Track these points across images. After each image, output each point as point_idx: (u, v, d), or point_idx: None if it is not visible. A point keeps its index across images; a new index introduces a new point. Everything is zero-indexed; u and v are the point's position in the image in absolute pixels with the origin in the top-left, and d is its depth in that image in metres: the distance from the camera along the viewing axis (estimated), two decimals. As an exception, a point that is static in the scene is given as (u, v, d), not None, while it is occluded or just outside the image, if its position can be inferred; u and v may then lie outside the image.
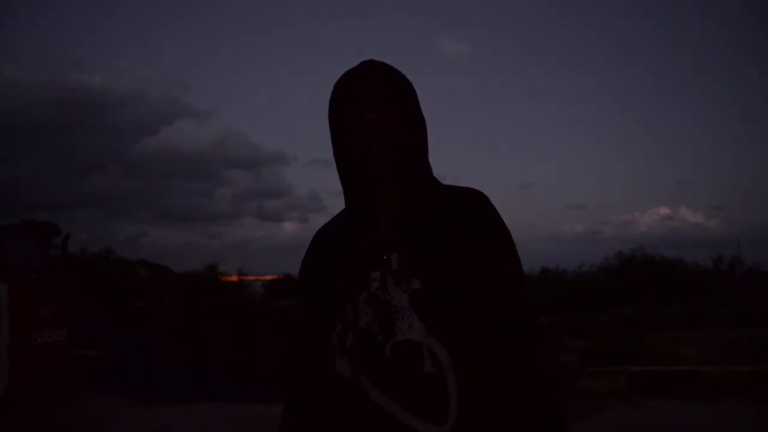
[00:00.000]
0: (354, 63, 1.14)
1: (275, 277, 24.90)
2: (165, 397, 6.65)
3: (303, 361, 1.16)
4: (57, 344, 6.87)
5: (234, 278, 21.05)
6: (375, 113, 1.06)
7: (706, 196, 59.96)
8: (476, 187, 1.11)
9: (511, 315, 1.02)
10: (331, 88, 1.13)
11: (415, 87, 1.15)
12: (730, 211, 58.17)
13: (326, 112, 1.14)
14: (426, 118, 1.14)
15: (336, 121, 1.12)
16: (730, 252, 29.90)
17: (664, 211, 59.06)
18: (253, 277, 22.83)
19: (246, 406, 6.24)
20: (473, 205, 1.07)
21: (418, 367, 0.98)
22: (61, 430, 5.47)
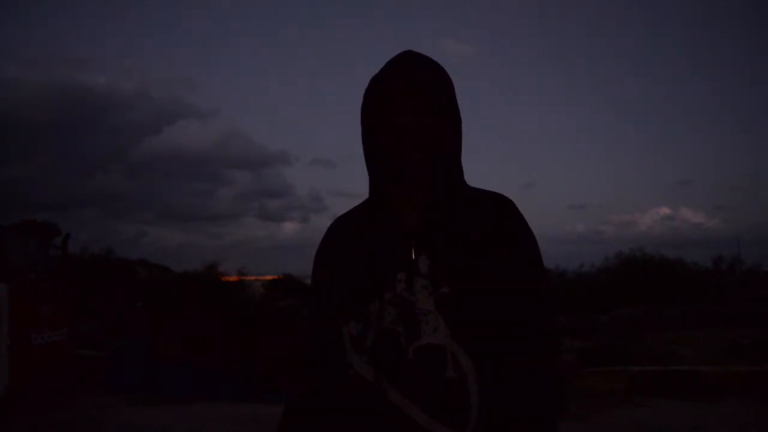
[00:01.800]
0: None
1: (275, 277, 24.94)
2: (165, 397, 6.65)
3: (316, 358, 1.13)
4: (57, 344, 6.85)
5: (234, 278, 21.04)
6: (409, 112, 1.02)
7: (706, 196, 60.12)
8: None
9: (536, 324, 1.01)
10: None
11: None
12: (730, 211, 58.33)
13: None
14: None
15: (369, 116, 1.07)
16: (730, 252, 29.86)
17: (665, 211, 59.23)
18: (253, 277, 22.85)
19: (246, 406, 6.24)
20: (500, 211, 1.05)
21: (440, 372, 0.96)
22: (61, 430, 5.47)
